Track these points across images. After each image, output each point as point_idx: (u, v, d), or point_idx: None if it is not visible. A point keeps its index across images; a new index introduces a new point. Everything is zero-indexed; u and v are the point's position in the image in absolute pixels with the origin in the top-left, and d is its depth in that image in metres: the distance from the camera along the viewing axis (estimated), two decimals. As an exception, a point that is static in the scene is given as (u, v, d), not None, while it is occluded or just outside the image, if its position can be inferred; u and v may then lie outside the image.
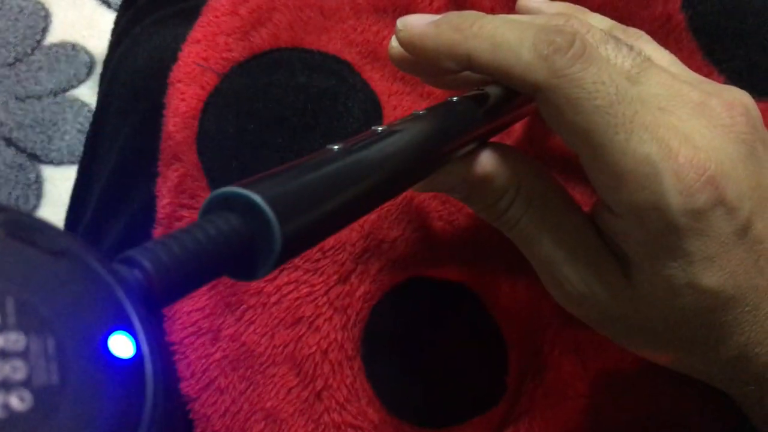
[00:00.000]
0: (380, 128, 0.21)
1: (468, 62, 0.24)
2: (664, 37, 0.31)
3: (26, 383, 0.11)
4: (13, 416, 0.10)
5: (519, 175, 0.26)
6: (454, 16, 0.25)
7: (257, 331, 0.32)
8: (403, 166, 0.20)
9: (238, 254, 0.15)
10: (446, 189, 0.27)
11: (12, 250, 0.12)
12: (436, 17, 0.26)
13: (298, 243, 0.16)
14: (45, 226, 0.13)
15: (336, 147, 0.19)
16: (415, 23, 0.25)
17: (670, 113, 0.24)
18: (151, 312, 0.13)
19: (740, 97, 0.25)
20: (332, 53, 0.37)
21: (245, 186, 0.16)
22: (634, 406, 0.32)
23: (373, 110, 0.36)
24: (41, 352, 0.11)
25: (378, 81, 0.36)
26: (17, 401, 0.11)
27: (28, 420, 0.11)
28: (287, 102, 0.35)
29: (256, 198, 0.15)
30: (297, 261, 0.33)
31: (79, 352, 0.11)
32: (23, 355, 0.11)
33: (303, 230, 0.16)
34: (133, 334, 0.12)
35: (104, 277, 0.12)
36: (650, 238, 0.24)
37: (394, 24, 0.38)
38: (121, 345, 0.12)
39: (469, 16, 0.25)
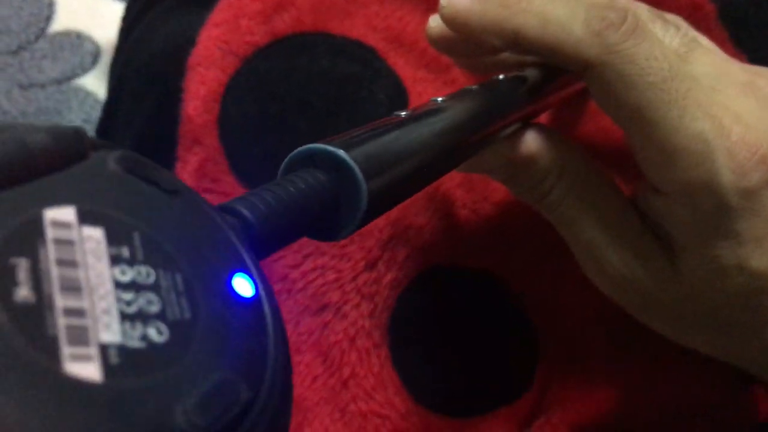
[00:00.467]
0: (439, 99, 0.21)
1: (515, 39, 0.24)
2: (693, 25, 0.31)
3: (161, 316, 0.11)
4: (152, 347, 0.10)
5: (562, 157, 0.26)
6: None
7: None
8: (464, 137, 0.20)
9: (325, 210, 0.15)
10: (490, 169, 0.26)
11: (132, 186, 0.12)
12: None
13: (381, 201, 0.16)
14: (158, 166, 0.12)
15: (403, 114, 0.19)
16: (461, 0, 0.25)
17: (720, 92, 0.24)
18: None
19: None
20: (356, 38, 0.36)
21: (329, 143, 0.15)
22: (667, 395, 0.31)
23: (398, 96, 0.35)
24: (171, 287, 0.11)
25: (403, 67, 0.36)
26: (155, 333, 0.10)
27: (167, 352, 0.10)
28: (310, 87, 0.35)
29: (343, 154, 0.15)
30: (323, 246, 0.32)
31: (206, 290, 0.11)
32: (154, 288, 0.11)
33: (386, 188, 0.16)
34: (251, 276, 0.12)
35: (219, 221, 0.12)
36: (700, 218, 0.23)
37: (417, 9, 0.38)
38: (242, 286, 0.12)
39: None
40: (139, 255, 0.11)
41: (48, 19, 0.53)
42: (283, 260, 0.32)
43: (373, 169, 0.15)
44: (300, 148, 0.16)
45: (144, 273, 0.11)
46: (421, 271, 0.33)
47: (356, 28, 0.36)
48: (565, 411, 0.31)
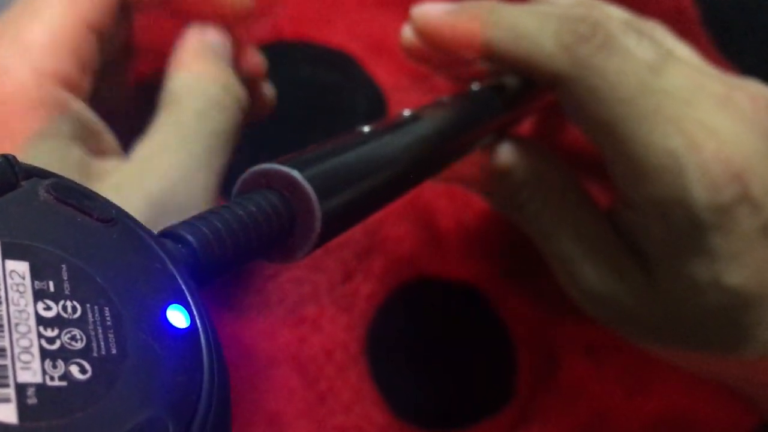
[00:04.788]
0: (407, 113, 0.20)
1: (486, 52, 0.24)
2: (676, 30, 0.31)
3: (84, 353, 0.10)
4: (73, 386, 0.10)
5: (538, 169, 0.25)
6: (472, 5, 0.24)
7: (258, 331, 0.31)
8: (432, 151, 0.20)
9: (278, 233, 0.15)
10: (465, 180, 0.26)
11: (64, 216, 0.11)
12: (453, 6, 0.25)
13: (336, 223, 0.16)
14: (92, 194, 0.12)
15: (366, 129, 0.18)
16: (432, 12, 0.25)
17: (694, 106, 0.23)
18: (197, 287, 0.12)
19: (763, 90, 0.25)
20: (336, 46, 0.36)
21: (283, 163, 0.15)
22: (650, 407, 0.31)
23: (378, 105, 0.35)
24: (98, 321, 0.11)
25: (383, 75, 0.35)
26: (78, 371, 0.10)
27: (89, 390, 0.10)
28: (289, 96, 0.35)
29: (296, 174, 0.15)
30: (300, 258, 0.32)
31: (136, 323, 0.11)
32: (79, 324, 0.10)
33: (341, 209, 0.16)
34: (187, 307, 0.12)
35: (155, 249, 0.12)
36: (673, 234, 0.23)
37: (398, 16, 0.38)
38: (176, 318, 0.11)
39: (487, 4, 0.24)
40: (66, 289, 0.11)
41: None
42: (260, 272, 0.32)
43: (328, 189, 0.15)
44: (252, 168, 0.15)
45: (69, 308, 0.10)
46: (399, 282, 0.33)
47: (337, 35, 0.36)
48: (546, 423, 0.31)
